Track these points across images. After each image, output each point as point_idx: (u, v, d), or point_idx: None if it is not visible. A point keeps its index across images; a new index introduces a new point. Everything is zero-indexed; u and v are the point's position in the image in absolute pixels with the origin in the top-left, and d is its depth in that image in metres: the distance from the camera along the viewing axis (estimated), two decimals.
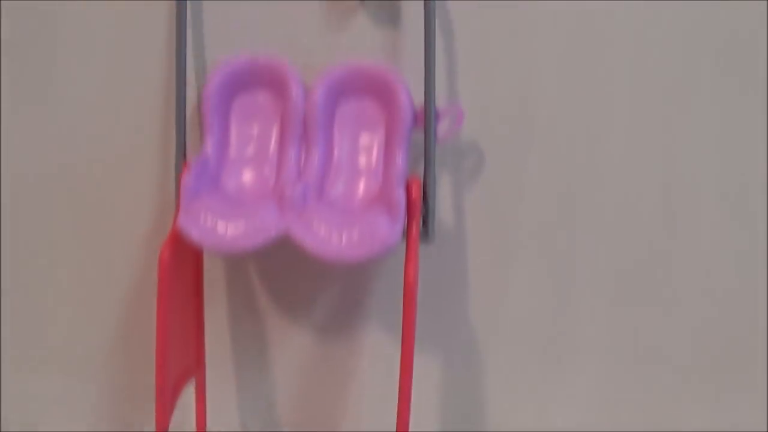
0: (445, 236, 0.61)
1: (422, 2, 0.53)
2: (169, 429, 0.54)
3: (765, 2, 0.56)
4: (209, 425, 0.64)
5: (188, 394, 0.61)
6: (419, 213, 0.53)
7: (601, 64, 0.58)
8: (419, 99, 0.54)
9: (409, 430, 0.60)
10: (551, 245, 0.62)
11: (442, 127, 0.55)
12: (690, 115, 0.59)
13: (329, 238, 0.49)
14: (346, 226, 0.50)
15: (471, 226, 0.61)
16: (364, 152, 0.55)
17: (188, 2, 0.55)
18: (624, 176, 0.60)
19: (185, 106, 0.55)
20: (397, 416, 0.52)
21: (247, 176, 0.55)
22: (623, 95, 0.58)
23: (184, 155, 0.56)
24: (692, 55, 0.57)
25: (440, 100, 0.55)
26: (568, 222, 0.62)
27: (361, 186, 0.54)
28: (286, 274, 0.63)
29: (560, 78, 0.58)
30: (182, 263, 0.55)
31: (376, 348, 0.64)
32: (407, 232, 0.52)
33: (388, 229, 0.49)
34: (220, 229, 0.50)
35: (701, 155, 0.60)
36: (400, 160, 0.53)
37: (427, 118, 0.53)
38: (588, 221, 0.62)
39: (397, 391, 0.52)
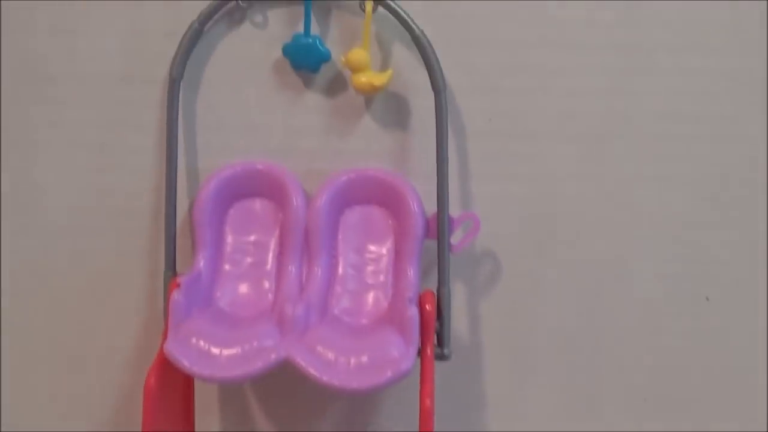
0: (459, 349, 0.56)
1: (433, 104, 0.49)
2: None
3: None
4: None
5: None
6: (434, 331, 0.48)
7: (625, 163, 0.54)
8: (430, 207, 0.50)
9: None
10: (572, 356, 0.57)
11: (456, 237, 0.51)
12: (728, 214, 0.55)
13: (335, 363, 0.44)
14: (354, 350, 0.45)
15: (486, 339, 0.56)
16: (371, 265, 0.50)
17: (180, 105, 0.51)
18: (654, 283, 0.56)
19: (176, 216, 0.51)
20: None
21: (243, 291, 0.50)
22: (651, 194, 0.55)
23: (174, 269, 0.51)
24: (726, 149, 0.54)
25: (453, 207, 0.51)
26: (593, 333, 0.57)
27: (369, 302, 0.50)
28: (285, 396, 0.57)
29: (579, 180, 0.54)
30: (170, 388, 0.50)
31: None
32: (421, 353, 0.47)
33: (401, 353, 0.44)
34: (213, 355, 0.44)
35: (740, 260, 0.56)
36: (411, 273, 0.48)
37: (440, 227, 0.49)
38: (615, 332, 0.57)
39: None
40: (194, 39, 0.50)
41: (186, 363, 0.44)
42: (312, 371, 0.44)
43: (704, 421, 0.59)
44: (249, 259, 0.51)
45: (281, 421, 0.57)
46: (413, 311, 0.45)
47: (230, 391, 0.57)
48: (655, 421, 0.59)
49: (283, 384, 0.57)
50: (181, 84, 0.51)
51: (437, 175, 0.49)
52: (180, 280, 0.47)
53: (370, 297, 0.50)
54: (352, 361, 0.44)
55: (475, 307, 0.56)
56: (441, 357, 0.49)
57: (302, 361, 0.44)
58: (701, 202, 0.55)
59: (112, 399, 0.57)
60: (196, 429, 0.55)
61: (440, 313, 0.49)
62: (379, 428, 0.57)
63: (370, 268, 0.50)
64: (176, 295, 0.46)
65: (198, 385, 0.54)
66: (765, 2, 0.53)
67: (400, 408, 0.56)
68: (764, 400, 0.59)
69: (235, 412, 0.57)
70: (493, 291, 0.56)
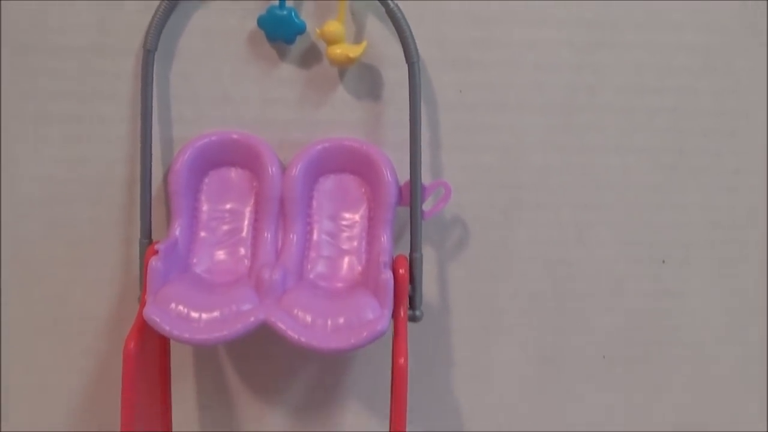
0: (429, 311, 0.58)
1: (406, 76, 0.51)
2: None
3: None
4: None
5: None
6: (407, 294, 0.50)
7: (590, 134, 0.57)
8: (402, 175, 0.52)
9: None
10: (539, 320, 0.60)
11: (428, 204, 0.52)
12: (683, 182, 0.58)
13: (313, 326, 0.46)
14: (330, 313, 0.46)
15: (455, 301, 0.59)
16: (346, 231, 0.52)
17: (154, 76, 0.52)
18: (614, 247, 0.59)
19: (151, 185, 0.52)
20: None
21: (220, 258, 0.51)
22: (612, 165, 0.57)
23: (149, 237, 0.52)
24: (685, 121, 0.57)
25: (424, 176, 0.53)
26: (557, 296, 0.60)
27: (344, 267, 0.51)
28: (259, 354, 0.59)
29: (545, 151, 0.57)
30: (148, 351, 0.51)
31: (359, 428, 0.60)
32: (395, 315, 0.49)
33: (376, 314, 0.46)
34: (192, 320, 0.46)
35: (695, 228, 0.59)
36: (385, 239, 0.50)
37: (413, 194, 0.51)
38: (576, 293, 0.60)
39: None
40: (169, 10, 0.51)
41: (166, 327, 0.45)
42: (291, 334, 0.45)
43: (659, 376, 0.62)
44: (225, 227, 0.52)
45: (255, 382, 0.59)
46: (388, 275, 0.47)
47: (205, 356, 0.58)
48: (614, 376, 0.62)
49: (257, 347, 0.58)
50: (156, 55, 0.52)
51: (410, 144, 0.51)
52: (158, 246, 0.48)
53: (345, 262, 0.51)
54: (329, 323, 0.46)
55: (444, 272, 0.58)
56: (413, 318, 0.51)
57: (281, 324, 0.45)
58: (660, 170, 0.58)
59: (88, 366, 0.58)
60: (172, 394, 0.57)
61: (412, 277, 0.51)
62: (353, 388, 0.60)
63: (344, 235, 0.52)
64: (154, 262, 0.47)
65: (173, 350, 0.56)
66: None
67: (373, 368, 0.58)
68: (714, 358, 0.62)
69: (209, 376, 0.59)
70: (462, 256, 0.58)
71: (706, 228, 0.60)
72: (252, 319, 0.46)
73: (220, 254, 0.52)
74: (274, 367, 0.59)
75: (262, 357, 0.59)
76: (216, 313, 0.46)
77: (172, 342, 0.56)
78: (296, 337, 0.45)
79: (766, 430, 0.63)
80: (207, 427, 0.60)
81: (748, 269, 0.61)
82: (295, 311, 0.46)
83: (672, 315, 0.61)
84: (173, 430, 0.57)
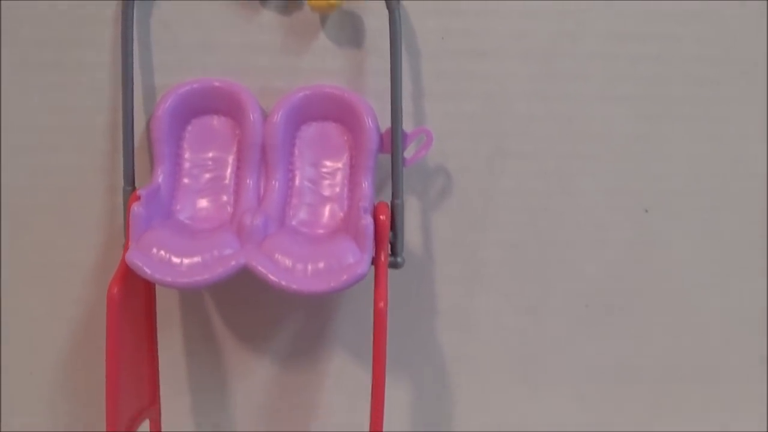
0: (413, 259, 0.59)
1: (387, 23, 0.50)
2: None
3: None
4: None
5: None
6: (387, 240, 0.50)
7: (573, 82, 0.56)
8: (384, 124, 0.52)
9: None
10: (521, 267, 0.61)
11: (410, 151, 0.52)
12: (666, 131, 0.58)
13: (293, 270, 0.46)
14: (311, 257, 0.47)
15: (438, 250, 0.59)
16: (328, 179, 0.52)
17: (135, 23, 0.52)
18: (597, 197, 0.59)
19: (133, 133, 0.52)
20: None
21: (203, 205, 0.52)
22: (596, 113, 0.57)
23: (133, 184, 0.52)
24: (668, 71, 0.57)
25: (406, 124, 0.53)
26: (539, 244, 0.60)
27: (326, 213, 0.52)
28: (244, 303, 0.59)
29: (528, 99, 0.56)
30: (133, 297, 0.52)
31: (343, 375, 0.61)
32: (375, 260, 0.49)
33: (356, 258, 0.47)
34: (174, 264, 0.46)
35: (677, 174, 0.59)
36: (366, 185, 0.50)
37: (394, 141, 0.51)
38: (559, 243, 0.60)
39: (366, 419, 0.49)
40: None
41: (148, 271, 0.46)
42: (272, 277, 0.46)
43: (643, 324, 0.63)
44: (208, 175, 0.52)
45: (242, 330, 0.60)
46: (368, 220, 0.47)
47: (191, 304, 0.59)
48: (597, 325, 0.63)
49: (242, 295, 0.59)
50: (136, 2, 0.51)
51: (391, 90, 0.51)
52: (140, 192, 0.48)
53: (327, 209, 0.52)
54: (309, 267, 0.46)
55: (427, 220, 0.58)
56: (394, 265, 0.52)
57: (262, 268, 0.46)
58: (644, 119, 0.58)
59: (76, 314, 0.58)
60: (159, 341, 0.57)
61: (394, 223, 0.51)
62: (338, 335, 0.61)
63: (326, 182, 0.52)
64: (136, 207, 0.48)
65: (159, 299, 0.56)
66: None
67: (357, 315, 0.59)
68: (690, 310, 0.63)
69: (196, 323, 0.60)
70: (445, 205, 0.58)
71: (689, 177, 0.60)
72: (233, 263, 0.46)
73: (203, 201, 0.52)
74: (260, 315, 0.60)
75: (248, 305, 0.60)
76: (198, 258, 0.47)
77: (157, 289, 0.57)
78: (276, 280, 0.46)
79: (766, 430, 0.64)
80: (194, 372, 0.61)
81: (731, 218, 0.61)
82: (276, 255, 0.47)
83: (655, 264, 0.62)
84: (160, 375, 0.58)
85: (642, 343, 0.64)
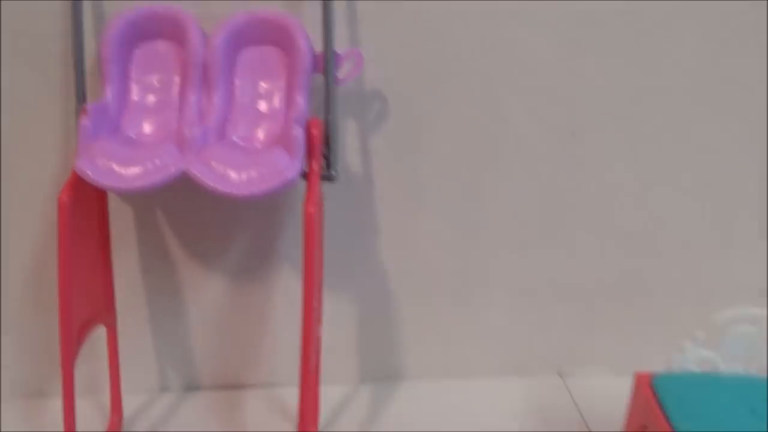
0: (354, 180, 0.63)
1: None
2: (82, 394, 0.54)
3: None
4: (125, 379, 0.64)
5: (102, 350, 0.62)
6: (320, 151, 0.54)
7: (501, 5, 0.59)
8: (320, 48, 0.55)
9: (320, 373, 0.62)
10: (458, 188, 0.65)
11: (343, 71, 0.56)
12: (589, 54, 0.61)
13: (228, 176, 0.50)
14: (245, 166, 0.51)
15: (378, 172, 0.63)
16: (265, 97, 0.56)
17: None
18: (529, 118, 0.63)
19: (83, 53, 0.55)
20: (301, 359, 0.53)
21: (148, 122, 0.55)
22: (521, 38, 0.60)
23: (84, 102, 0.56)
24: (592, 3, 0.60)
25: (343, 49, 0.56)
26: (475, 165, 0.64)
27: (263, 129, 0.55)
28: (196, 222, 0.63)
29: (462, 24, 0.60)
30: (85, 208, 0.55)
31: (290, 291, 0.65)
32: (308, 170, 0.53)
33: (286, 165, 0.50)
34: (117, 168, 0.50)
35: (600, 100, 0.63)
36: (300, 101, 0.54)
37: (326, 61, 0.54)
38: (492, 166, 0.64)
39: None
40: None
41: (93, 176, 0.50)
42: (208, 182, 0.50)
43: (572, 240, 0.67)
44: (154, 94, 0.56)
45: (195, 249, 0.64)
46: (298, 131, 0.51)
47: (146, 224, 0.63)
48: (530, 243, 0.67)
49: (194, 215, 0.63)
50: None
51: (323, 14, 0.55)
52: (88, 107, 0.52)
53: (264, 125, 0.55)
54: (243, 174, 0.50)
55: (366, 143, 0.62)
56: (329, 178, 0.56)
57: (198, 173, 0.50)
58: (566, 43, 0.61)
59: (37, 230, 0.62)
60: (116, 260, 0.61)
61: (328, 138, 0.55)
62: (285, 253, 0.64)
63: (264, 100, 0.56)
64: (84, 120, 0.51)
65: (115, 220, 0.60)
66: None
67: (299, 230, 0.63)
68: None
69: (151, 243, 0.64)
70: (383, 128, 0.62)
71: (612, 103, 0.63)
72: (172, 169, 0.50)
73: (149, 118, 0.55)
74: (211, 234, 0.64)
75: (200, 225, 0.63)
76: (139, 166, 0.50)
77: (113, 211, 0.61)
78: (212, 184, 0.50)
79: (675, 293, 0.68)
80: (150, 290, 0.65)
81: (655, 139, 0.65)
82: (213, 163, 0.51)
83: (582, 185, 0.65)
84: (119, 292, 0.62)
85: (572, 256, 0.68)
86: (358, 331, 0.69)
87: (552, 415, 0.67)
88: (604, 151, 0.64)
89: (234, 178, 0.50)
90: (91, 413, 0.65)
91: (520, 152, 0.64)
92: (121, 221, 0.62)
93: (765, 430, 0.48)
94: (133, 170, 0.50)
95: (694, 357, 0.54)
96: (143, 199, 0.62)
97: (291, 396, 0.65)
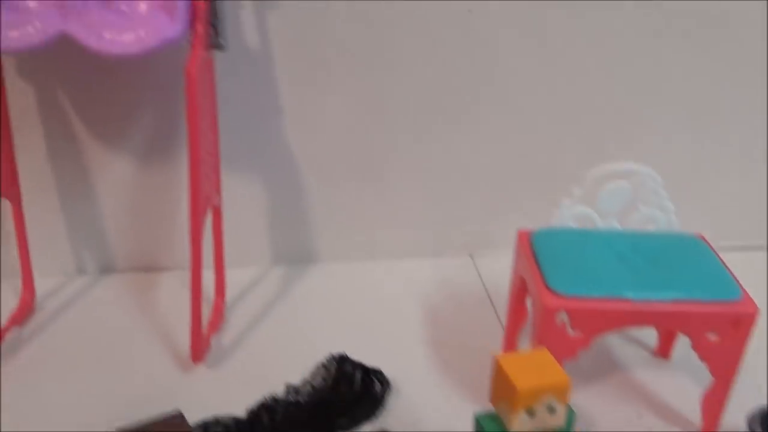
0: (255, 61, 0.63)
1: None
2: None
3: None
4: (40, 263, 0.65)
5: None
6: (205, 16, 0.54)
7: None
8: None
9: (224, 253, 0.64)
10: (359, 69, 0.65)
11: None
12: None
13: (106, 35, 0.51)
14: (126, 26, 0.51)
15: (280, 53, 0.63)
16: None
17: None
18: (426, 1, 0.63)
19: None
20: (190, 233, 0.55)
21: None
22: None
23: None
24: None
25: None
26: (375, 47, 0.64)
27: None
28: (99, 101, 0.64)
29: None
30: None
31: None
32: (193, 33, 0.54)
33: (165, 24, 0.51)
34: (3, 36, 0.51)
35: None
36: None
37: None
38: (394, 45, 0.64)
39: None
40: None
41: None
42: (86, 42, 0.51)
43: (475, 124, 0.68)
44: None
45: (100, 130, 0.65)
46: None
47: (47, 104, 0.63)
48: (433, 126, 0.68)
49: (98, 93, 0.63)
50: None
51: None
52: None
53: None
54: (125, 36, 0.51)
55: (263, 22, 0.62)
56: (217, 45, 0.56)
57: (75, 34, 0.51)
58: None
59: None
60: (21, 143, 0.62)
61: (215, 7, 0.56)
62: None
63: None
64: None
65: (14, 99, 0.61)
66: None
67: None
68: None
69: (55, 125, 0.64)
70: (283, 9, 0.62)
71: None
72: (50, 31, 0.51)
73: None
74: (116, 113, 0.64)
75: (103, 104, 0.64)
76: (21, 29, 0.51)
77: (10, 86, 0.61)
78: (92, 45, 0.51)
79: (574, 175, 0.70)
80: (58, 173, 0.66)
81: (556, 22, 0.65)
82: (92, 25, 0.51)
83: (481, 62, 0.66)
84: (25, 178, 0.62)
85: (476, 142, 0.69)
86: (268, 214, 0.70)
87: (458, 291, 0.70)
88: (500, 26, 0.65)
89: (113, 38, 0.51)
90: (5, 296, 0.66)
91: (420, 30, 0.64)
92: (21, 99, 0.62)
93: (629, 272, 0.51)
94: (13, 31, 0.51)
95: (572, 213, 0.56)
96: (43, 78, 0.62)
97: (206, 278, 0.67)
